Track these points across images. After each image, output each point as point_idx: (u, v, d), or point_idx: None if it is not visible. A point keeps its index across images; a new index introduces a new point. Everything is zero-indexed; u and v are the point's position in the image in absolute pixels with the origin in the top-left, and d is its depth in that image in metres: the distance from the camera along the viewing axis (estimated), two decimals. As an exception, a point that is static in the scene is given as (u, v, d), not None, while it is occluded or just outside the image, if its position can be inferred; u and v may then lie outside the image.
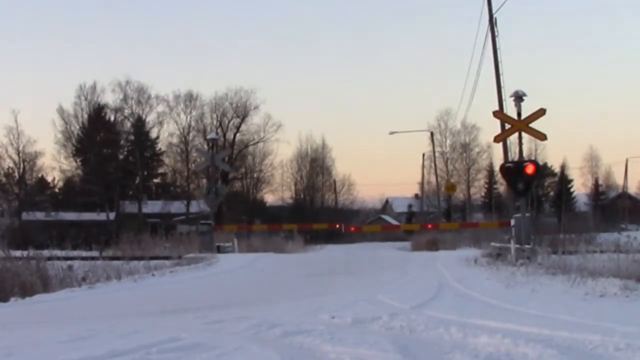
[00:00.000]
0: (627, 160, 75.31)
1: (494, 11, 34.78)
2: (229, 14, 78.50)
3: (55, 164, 64.83)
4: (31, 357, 7.08)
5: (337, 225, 26.22)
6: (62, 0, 77.85)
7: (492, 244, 22.76)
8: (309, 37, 78.08)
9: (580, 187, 77.21)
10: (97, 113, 63.51)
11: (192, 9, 76.97)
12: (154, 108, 64.86)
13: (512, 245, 20.13)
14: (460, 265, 19.41)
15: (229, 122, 67.85)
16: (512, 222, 21.15)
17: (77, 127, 63.61)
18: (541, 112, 22.06)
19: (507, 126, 22.55)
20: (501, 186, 67.68)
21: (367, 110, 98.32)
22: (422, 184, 68.90)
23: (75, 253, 26.13)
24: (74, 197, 62.61)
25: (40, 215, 60.17)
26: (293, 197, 76.57)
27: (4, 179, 62.74)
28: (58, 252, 25.09)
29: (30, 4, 78.58)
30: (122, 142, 65.57)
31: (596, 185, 78.94)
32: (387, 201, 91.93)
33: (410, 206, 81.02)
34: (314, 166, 77.25)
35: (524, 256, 19.26)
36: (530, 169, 21.34)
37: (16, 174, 62.42)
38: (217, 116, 67.53)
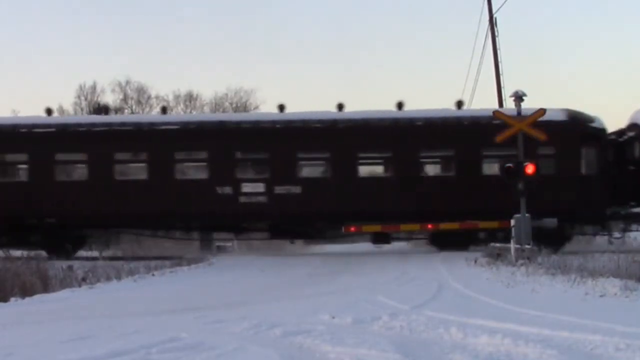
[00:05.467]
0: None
1: (494, 11, 35.03)
2: (229, 14, 78.49)
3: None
4: (31, 357, 7.08)
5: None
6: (62, 0, 77.84)
7: (492, 244, 22.74)
8: (309, 37, 78.09)
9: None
10: (97, 113, 63.48)
11: (192, 8, 76.99)
12: (154, 108, 64.84)
13: (512, 245, 20.12)
14: (460, 265, 19.40)
15: (229, 122, 67.81)
16: (512, 222, 21.14)
17: (77, 127, 63.58)
18: (541, 112, 22.06)
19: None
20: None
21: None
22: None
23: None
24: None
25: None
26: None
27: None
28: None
29: (30, 3, 78.59)
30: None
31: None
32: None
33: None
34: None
35: (524, 256, 19.24)
36: (530, 169, 21.34)
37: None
38: (217, 116, 67.57)
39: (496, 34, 34.59)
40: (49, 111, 26.88)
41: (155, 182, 25.18)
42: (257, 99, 66.77)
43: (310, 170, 26.19)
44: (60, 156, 25.71)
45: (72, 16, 77.37)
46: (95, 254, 25.62)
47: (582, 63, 76.87)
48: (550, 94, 65.38)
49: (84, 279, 16.29)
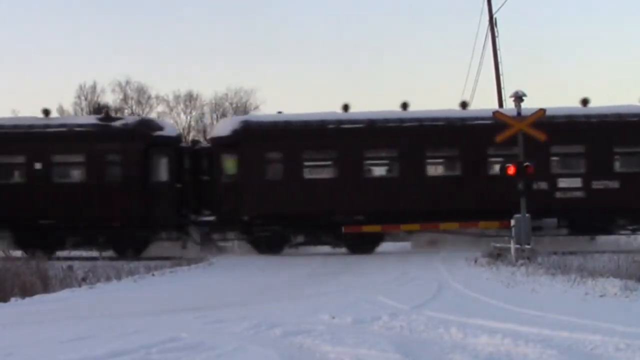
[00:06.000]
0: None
1: (494, 11, 35.05)
2: (229, 14, 78.51)
3: (55, 164, 64.69)
4: (31, 357, 7.09)
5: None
6: (62, 0, 77.85)
7: (492, 244, 22.72)
8: (309, 37, 78.14)
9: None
10: (97, 113, 63.51)
11: (192, 8, 77.04)
12: (154, 108, 64.90)
13: (512, 245, 20.12)
14: (460, 265, 19.40)
15: (229, 122, 67.76)
16: (512, 222, 21.14)
17: (77, 127, 63.54)
18: (541, 112, 22.05)
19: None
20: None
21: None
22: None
23: (77, 253, 26.18)
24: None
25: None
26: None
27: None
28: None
29: (30, 3, 78.62)
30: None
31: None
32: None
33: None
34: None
35: (524, 256, 19.25)
36: (530, 170, 21.34)
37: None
38: (217, 116, 67.47)
39: (496, 34, 34.62)
40: (345, 107, 26.11)
41: (468, 178, 24.87)
42: (257, 99, 66.84)
43: (627, 164, 25.42)
44: (368, 153, 25.51)
45: (72, 16, 77.46)
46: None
47: (582, 63, 76.91)
48: (550, 94, 65.37)
49: (84, 279, 16.29)
